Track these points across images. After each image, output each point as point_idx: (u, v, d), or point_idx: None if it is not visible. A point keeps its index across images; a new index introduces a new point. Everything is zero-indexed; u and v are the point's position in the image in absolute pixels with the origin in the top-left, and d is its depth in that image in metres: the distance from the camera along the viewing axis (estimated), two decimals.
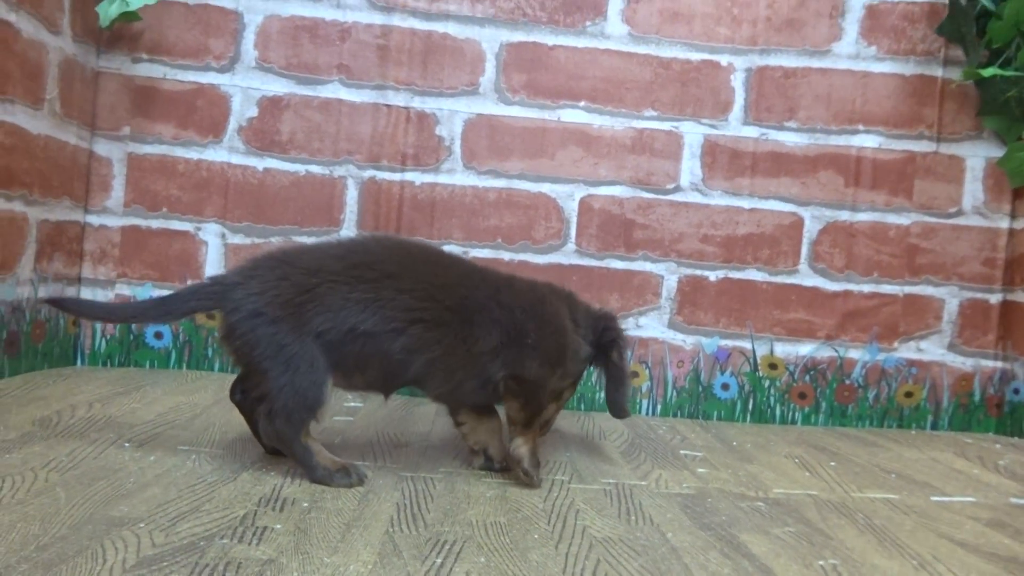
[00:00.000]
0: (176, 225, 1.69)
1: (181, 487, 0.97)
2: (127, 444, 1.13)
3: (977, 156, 1.74)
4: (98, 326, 1.68)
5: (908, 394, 1.74)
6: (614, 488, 1.13)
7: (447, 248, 1.69)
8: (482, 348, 1.07)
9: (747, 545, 0.92)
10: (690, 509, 1.05)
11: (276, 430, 1.03)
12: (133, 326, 1.68)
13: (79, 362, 1.68)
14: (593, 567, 0.82)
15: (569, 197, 1.73)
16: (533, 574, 0.78)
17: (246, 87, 1.70)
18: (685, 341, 1.73)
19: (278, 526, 0.86)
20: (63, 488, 0.92)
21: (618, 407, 1.21)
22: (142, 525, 0.83)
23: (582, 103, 1.73)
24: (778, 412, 1.73)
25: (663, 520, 0.99)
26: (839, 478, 1.26)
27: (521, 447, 1.09)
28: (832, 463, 1.36)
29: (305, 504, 0.95)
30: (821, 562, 0.88)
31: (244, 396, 1.11)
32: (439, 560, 0.80)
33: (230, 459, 1.10)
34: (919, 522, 1.06)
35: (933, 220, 1.75)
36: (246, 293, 1.02)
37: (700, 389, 1.73)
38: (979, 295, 1.75)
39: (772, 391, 1.74)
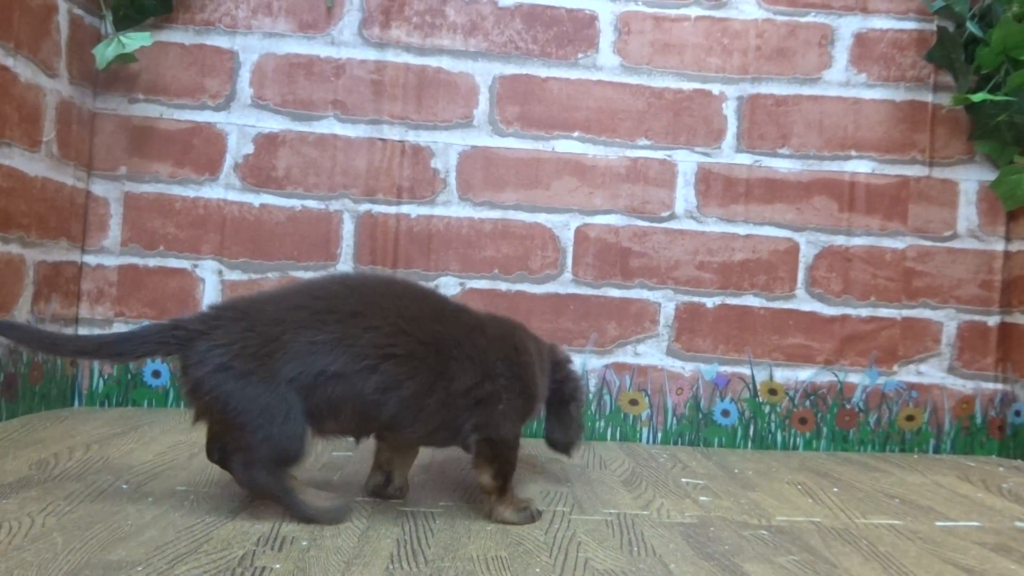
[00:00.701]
0: (173, 263, 1.70)
1: (179, 528, 0.96)
2: (125, 486, 1.12)
3: (970, 180, 1.75)
4: (95, 366, 1.67)
5: (910, 418, 1.74)
6: (615, 518, 1.12)
7: (430, 283, 1.70)
8: (458, 387, 1.03)
9: (751, 575, 0.91)
10: (692, 539, 1.04)
11: (257, 483, 1.00)
12: (131, 365, 1.67)
13: (77, 403, 1.67)
14: None
15: (565, 227, 1.74)
16: None
17: (242, 124, 1.71)
18: (684, 368, 1.73)
19: (277, 566, 0.86)
20: (60, 533, 0.91)
21: (563, 447, 1.21)
22: (140, 568, 0.82)
23: (576, 133, 1.74)
24: (779, 438, 1.73)
25: (666, 551, 0.99)
26: (842, 504, 1.25)
27: (502, 514, 1.06)
28: (835, 489, 1.35)
29: (304, 543, 0.94)
30: None
31: (223, 454, 1.05)
32: None
33: (228, 498, 1.10)
34: (924, 548, 1.05)
35: (928, 244, 1.75)
36: (210, 345, 0.98)
37: (700, 416, 1.72)
38: (977, 317, 1.75)
39: (773, 417, 1.73)
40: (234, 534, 0.95)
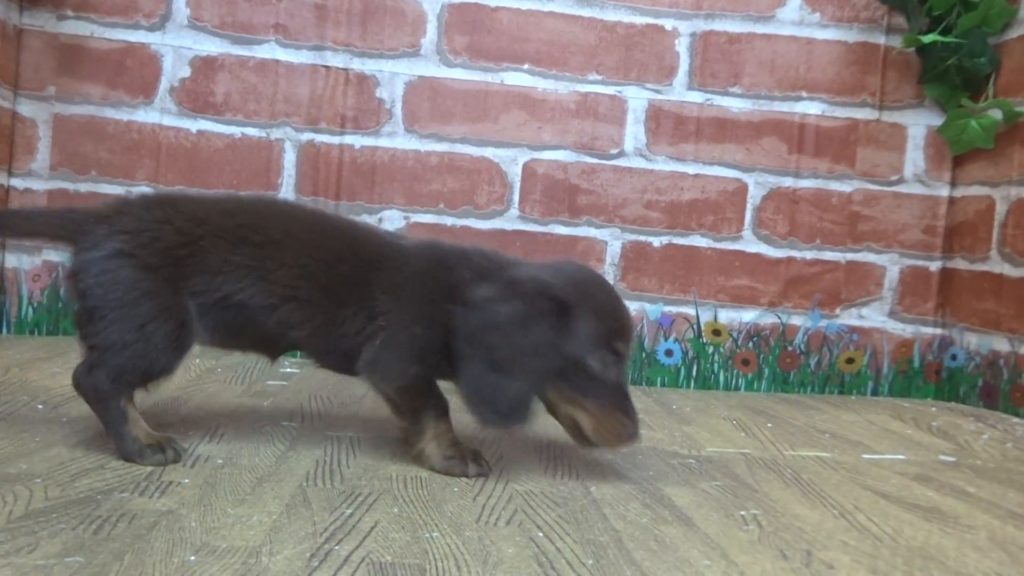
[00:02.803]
0: (106, 188, 1.64)
1: (90, 446, 0.93)
2: (40, 407, 1.09)
3: (919, 124, 1.75)
4: (24, 292, 1.62)
5: (849, 360, 1.75)
6: (546, 447, 1.11)
7: (374, 217, 1.67)
8: (347, 331, 0.94)
9: (670, 497, 0.91)
10: (619, 466, 1.04)
11: (93, 384, 0.88)
12: (61, 292, 1.62)
13: (5, 330, 1.62)
14: (509, 516, 0.80)
15: (512, 162, 1.70)
16: (445, 523, 0.76)
17: (178, 46, 1.64)
18: (629, 307, 1.72)
19: (186, 480, 0.83)
20: None
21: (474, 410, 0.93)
22: (38, 481, 0.79)
23: (526, 66, 1.70)
24: (722, 378, 1.73)
25: (589, 475, 0.98)
26: (774, 438, 1.26)
27: (424, 452, 0.95)
28: (769, 424, 1.36)
29: (220, 461, 0.92)
30: (742, 512, 0.87)
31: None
32: (349, 511, 0.78)
33: (150, 420, 1.07)
34: (846, 476, 1.06)
35: (875, 188, 1.75)
36: (112, 230, 0.89)
37: (644, 355, 1.72)
38: (919, 263, 1.76)
39: (716, 357, 1.73)
40: None
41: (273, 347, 0.99)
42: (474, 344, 0.90)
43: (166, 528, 0.69)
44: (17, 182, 1.62)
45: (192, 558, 0.63)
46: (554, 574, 0.66)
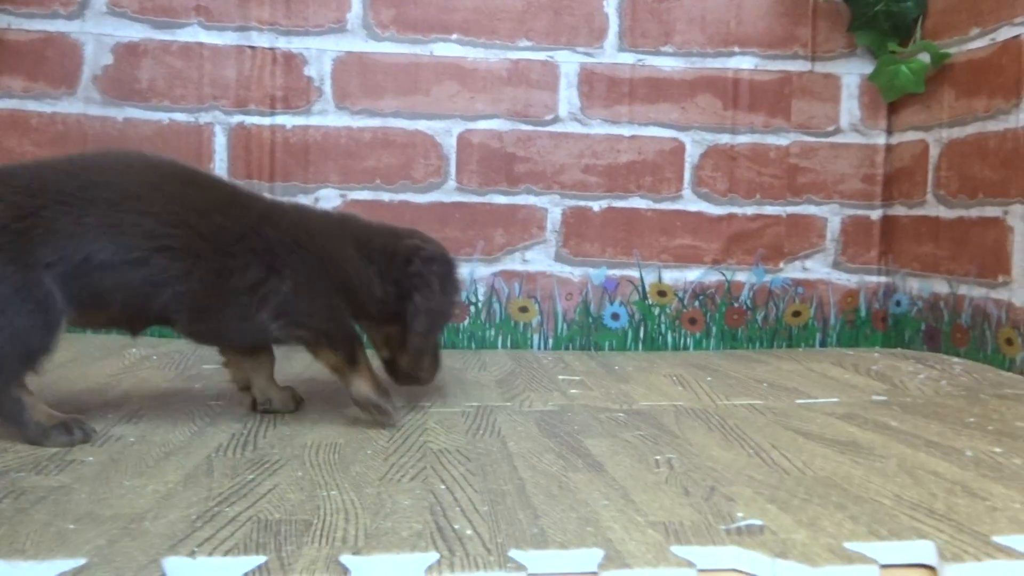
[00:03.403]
0: None
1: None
2: None
3: (852, 74, 1.75)
4: None
5: (796, 313, 1.76)
6: (474, 410, 1.11)
7: (310, 196, 1.65)
8: (238, 283, 0.92)
9: (587, 447, 0.91)
10: (544, 423, 1.03)
11: None
12: None
13: None
14: (416, 473, 0.79)
15: (447, 133, 1.69)
16: (347, 482, 0.76)
17: (98, 33, 1.61)
18: (573, 273, 1.72)
19: (90, 459, 0.82)
20: None
21: (401, 374, 1.09)
22: None
23: (454, 36, 1.68)
24: (669, 339, 1.73)
25: (511, 433, 0.98)
26: (710, 390, 1.26)
27: (360, 386, 0.98)
28: (708, 378, 1.36)
29: (132, 439, 0.91)
30: (657, 457, 0.87)
31: None
32: (250, 476, 0.77)
33: (70, 406, 1.05)
34: (773, 420, 1.06)
35: (812, 140, 1.75)
36: None
37: (590, 320, 1.72)
38: (860, 212, 1.76)
39: (662, 318, 1.73)
40: None
41: (141, 313, 0.94)
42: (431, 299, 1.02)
43: (53, 502, 0.68)
44: None
45: (71, 526, 0.62)
46: (444, 521, 0.66)
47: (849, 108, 1.75)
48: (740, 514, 0.68)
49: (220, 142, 1.65)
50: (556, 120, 1.71)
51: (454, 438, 0.95)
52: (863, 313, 1.77)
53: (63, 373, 1.25)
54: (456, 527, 0.64)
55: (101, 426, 0.95)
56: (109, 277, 0.88)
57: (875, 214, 1.77)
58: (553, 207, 1.71)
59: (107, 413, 1.02)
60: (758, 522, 0.66)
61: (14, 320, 0.84)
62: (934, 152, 1.62)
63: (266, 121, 1.65)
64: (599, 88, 1.71)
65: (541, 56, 1.70)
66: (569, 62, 1.70)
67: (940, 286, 1.60)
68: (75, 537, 0.60)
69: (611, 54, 1.71)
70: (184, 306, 0.93)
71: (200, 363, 1.40)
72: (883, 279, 1.77)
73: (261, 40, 1.65)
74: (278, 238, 0.95)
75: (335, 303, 0.98)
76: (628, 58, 1.71)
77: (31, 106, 1.61)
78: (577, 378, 1.36)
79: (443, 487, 0.75)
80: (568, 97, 1.71)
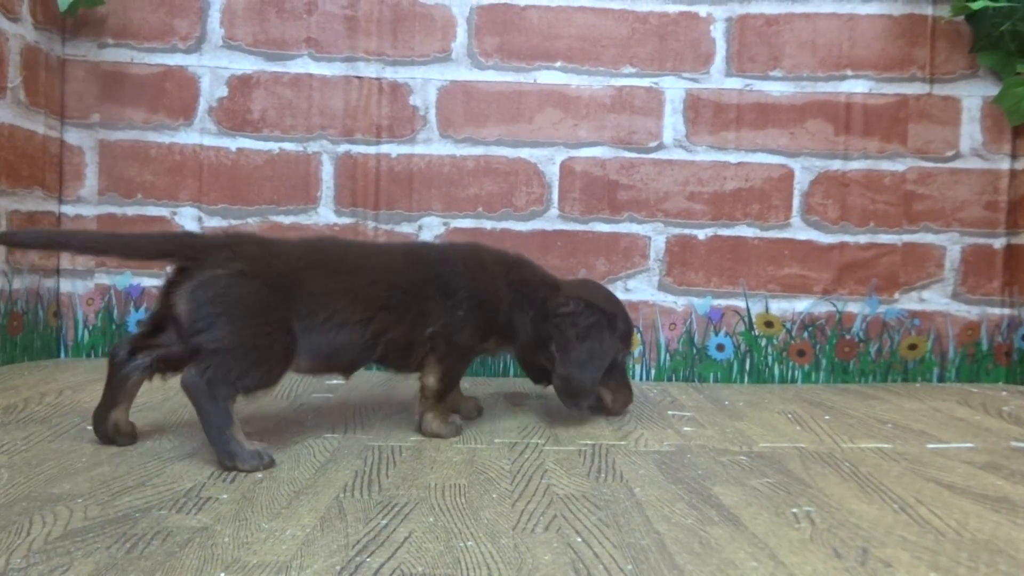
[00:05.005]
0: (152, 211, 1.67)
1: (132, 465, 0.94)
2: (90, 427, 1.11)
3: (973, 96, 1.67)
4: (79, 316, 1.66)
5: (912, 346, 1.68)
6: (590, 448, 1.08)
7: (413, 224, 1.66)
8: (430, 321, 1.13)
9: (718, 496, 0.87)
10: (666, 465, 1.00)
11: (209, 382, 0.92)
12: (115, 314, 1.66)
13: (63, 354, 1.67)
14: (548, 522, 0.78)
15: (549, 161, 1.68)
16: (481, 531, 0.74)
17: (214, 67, 1.67)
18: (676, 303, 1.68)
19: (224, 496, 0.83)
20: (8, 469, 0.89)
21: (563, 394, 1.22)
22: (80, 500, 0.80)
23: (558, 63, 1.68)
24: (777, 371, 1.68)
25: (634, 476, 0.95)
26: (831, 431, 1.21)
27: (430, 421, 1.14)
28: (826, 417, 1.31)
29: (259, 475, 0.92)
30: (794, 510, 0.83)
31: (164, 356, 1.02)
32: (384, 522, 0.76)
33: (194, 436, 1.08)
34: (908, 468, 1.01)
35: (930, 165, 1.68)
36: (234, 255, 0.98)
37: (694, 351, 1.68)
38: (982, 240, 1.68)
39: (769, 350, 1.68)
40: (187, 469, 0.93)
41: (362, 360, 1.10)
42: (566, 346, 1.18)
43: (199, 545, 0.69)
44: (68, 208, 1.66)
45: (222, 574, 0.63)
46: None
47: (970, 132, 1.67)
48: None
49: (327, 171, 1.67)
50: (660, 147, 1.68)
51: (577, 482, 0.93)
52: (984, 347, 1.68)
53: (183, 400, 1.28)
54: None
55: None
56: (342, 334, 1.05)
57: (998, 242, 1.68)
58: (656, 235, 1.68)
59: None
60: None
61: (271, 345, 0.97)
62: None
63: (372, 150, 1.67)
64: (705, 114, 1.67)
65: (645, 82, 1.67)
66: (674, 88, 1.67)
67: None
68: None
69: (718, 79, 1.67)
70: (391, 348, 1.10)
71: (310, 392, 1.41)
72: (1006, 311, 1.67)
73: (368, 70, 1.67)
74: (447, 279, 1.15)
75: (475, 345, 1.17)
76: (735, 83, 1.67)
77: (151, 137, 1.67)
78: (688, 414, 1.33)
79: (579, 540, 0.73)
80: (673, 123, 1.68)
